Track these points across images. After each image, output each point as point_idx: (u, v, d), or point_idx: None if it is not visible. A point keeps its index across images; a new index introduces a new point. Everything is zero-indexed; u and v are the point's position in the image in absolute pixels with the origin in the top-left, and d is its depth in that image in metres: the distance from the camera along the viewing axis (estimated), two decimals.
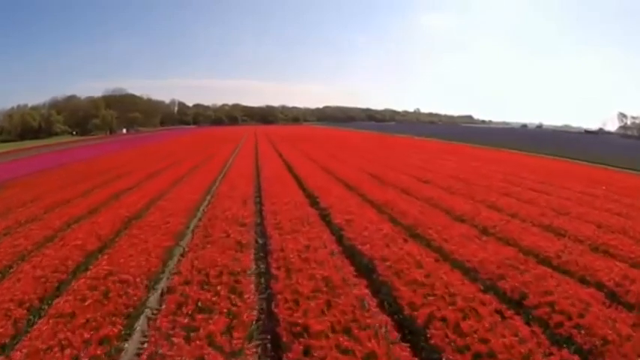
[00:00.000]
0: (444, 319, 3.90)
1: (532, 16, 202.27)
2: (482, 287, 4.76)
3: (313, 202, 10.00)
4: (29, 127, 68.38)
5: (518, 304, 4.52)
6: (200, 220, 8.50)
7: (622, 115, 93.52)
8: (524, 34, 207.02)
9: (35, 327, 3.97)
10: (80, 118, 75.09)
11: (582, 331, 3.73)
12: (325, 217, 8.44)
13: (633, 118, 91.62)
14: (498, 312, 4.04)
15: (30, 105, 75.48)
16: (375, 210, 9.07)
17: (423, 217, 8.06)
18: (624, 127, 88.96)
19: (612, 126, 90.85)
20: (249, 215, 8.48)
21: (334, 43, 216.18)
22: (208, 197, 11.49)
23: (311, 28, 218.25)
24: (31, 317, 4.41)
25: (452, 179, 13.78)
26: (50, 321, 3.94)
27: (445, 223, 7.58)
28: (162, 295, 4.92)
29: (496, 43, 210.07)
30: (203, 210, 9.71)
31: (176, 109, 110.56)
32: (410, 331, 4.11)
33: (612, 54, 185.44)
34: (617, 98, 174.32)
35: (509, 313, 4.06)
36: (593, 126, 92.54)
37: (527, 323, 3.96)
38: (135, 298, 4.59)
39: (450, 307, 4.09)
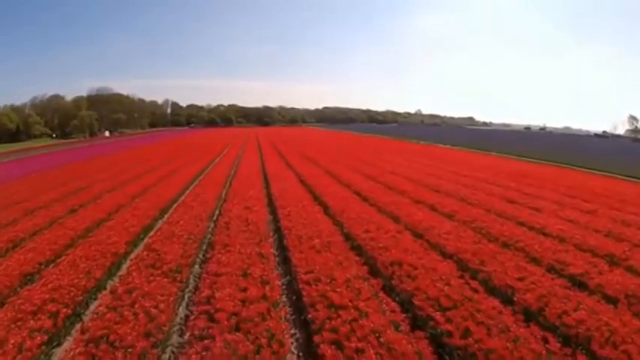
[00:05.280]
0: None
1: (534, 16, 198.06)
2: None
3: None
4: (6, 129, 63.78)
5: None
6: None
7: (632, 118, 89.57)
8: (526, 35, 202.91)
9: None
10: (63, 120, 70.40)
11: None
12: None
13: None
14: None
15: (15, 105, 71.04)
16: None
17: None
18: (634, 131, 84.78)
19: (621, 129, 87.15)
20: None
21: (334, 43, 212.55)
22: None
23: (310, 28, 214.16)
24: None
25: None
26: None
27: None
28: None
29: (497, 44, 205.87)
30: None
31: (169, 109, 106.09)
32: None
33: (616, 54, 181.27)
34: (618, 99, 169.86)
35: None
36: (595, 128, 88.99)
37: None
38: None
39: None
